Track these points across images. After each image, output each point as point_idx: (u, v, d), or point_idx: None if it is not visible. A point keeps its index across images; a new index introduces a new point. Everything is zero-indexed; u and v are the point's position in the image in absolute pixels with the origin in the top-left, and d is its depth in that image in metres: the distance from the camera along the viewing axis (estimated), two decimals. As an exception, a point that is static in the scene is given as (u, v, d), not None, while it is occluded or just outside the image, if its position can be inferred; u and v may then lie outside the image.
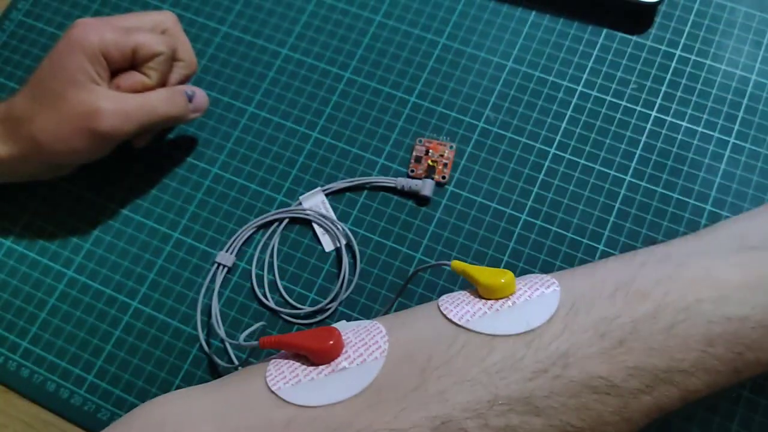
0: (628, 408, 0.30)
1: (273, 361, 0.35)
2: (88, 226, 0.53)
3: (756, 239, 0.35)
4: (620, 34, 0.56)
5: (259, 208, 0.53)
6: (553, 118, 0.54)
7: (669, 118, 0.54)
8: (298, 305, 0.50)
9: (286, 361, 0.34)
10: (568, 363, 0.30)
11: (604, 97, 0.55)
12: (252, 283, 0.51)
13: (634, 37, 0.56)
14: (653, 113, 0.54)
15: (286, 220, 0.52)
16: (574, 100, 0.55)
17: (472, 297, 0.34)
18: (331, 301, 0.50)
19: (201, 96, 0.51)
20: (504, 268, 0.50)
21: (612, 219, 0.51)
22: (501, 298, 0.33)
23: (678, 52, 0.55)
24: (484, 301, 0.33)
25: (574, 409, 0.29)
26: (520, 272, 0.50)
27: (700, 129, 0.53)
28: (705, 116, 0.53)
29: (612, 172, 0.52)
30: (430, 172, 0.52)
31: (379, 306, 0.50)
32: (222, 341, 0.48)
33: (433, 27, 0.58)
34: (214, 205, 0.54)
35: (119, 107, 0.45)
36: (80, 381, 0.49)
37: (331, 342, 0.32)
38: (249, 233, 0.52)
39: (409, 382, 0.30)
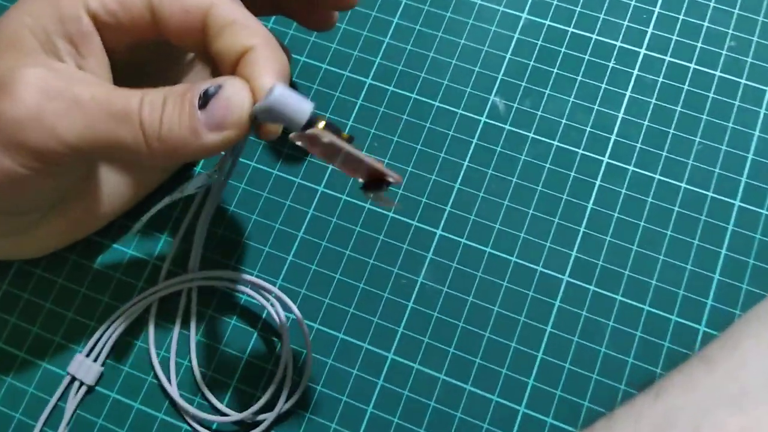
0: None
1: None
2: None
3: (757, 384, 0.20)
4: (701, -41, 0.34)
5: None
6: (602, 103, 0.33)
7: (796, 96, 0.32)
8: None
9: None
10: None
11: (685, 64, 0.33)
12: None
13: (722, -36, 0.34)
14: (769, 89, 0.33)
15: (154, 301, 0.30)
16: (636, 72, 0.33)
17: None
18: (266, 409, 0.29)
19: (230, 97, 0.24)
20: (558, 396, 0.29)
21: (717, 276, 0.30)
22: None
23: (796, -15, 0.34)
24: None
25: None
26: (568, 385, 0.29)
27: None
28: None
29: (710, 194, 0.31)
30: None
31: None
32: None
33: (396, -40, 0.36)
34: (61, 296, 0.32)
35: (58, 86, 0.24)
36: None
37: None
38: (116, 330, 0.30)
39: None
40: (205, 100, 0.23)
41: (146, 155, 0.24)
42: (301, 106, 0.23)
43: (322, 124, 0.23)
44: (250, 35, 0.24)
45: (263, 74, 0.24)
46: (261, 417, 0.29)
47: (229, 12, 0.25)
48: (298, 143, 0.23)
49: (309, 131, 0.23)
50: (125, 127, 0.23)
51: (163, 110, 0.23)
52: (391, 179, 0.23)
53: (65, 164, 0.24)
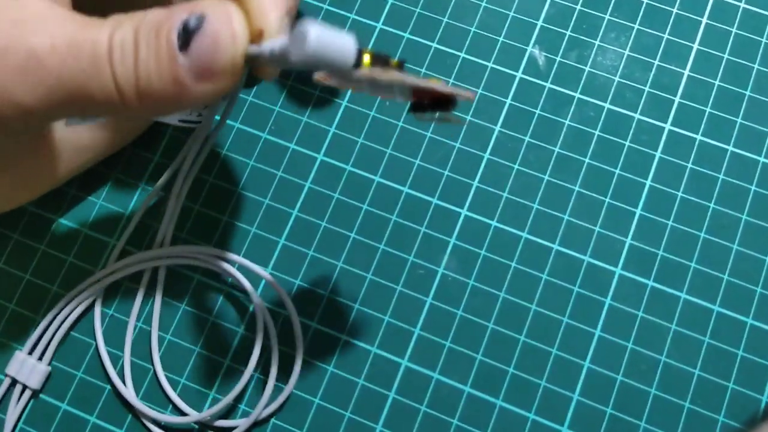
0: None
1: None
2: None
3: None
4: None
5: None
6: (664, 57, 0.27)
7: None
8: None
9: None
10: None
11: (763, 12, 0.27)
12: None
13: None
14: None
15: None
16: (704, 20, 0.27)
17: None
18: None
19: (218, 33, 0.18)
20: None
21: (802, 271, 0.25)
22: None
23: None
24: None
25: None
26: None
27: None
28: None
29: (795, 171, 0.26)
30: None
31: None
32: None
33: None
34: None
35: (8, 36, 0.18)
36: None
37: None
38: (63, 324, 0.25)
39: None
40: (185, 37, 0.18)
41: (123, 111, 0.18)
42: (343, 47, 0.17)
43: (367, 58, 0.17)
44: None
45: (269, 5, 0.18)
46: (233, 423, 0.23)
47: None
48: (330, 83, 0.18)
49: (361, 73, 0.17)
50: (94, 79, 0.18)
51: (137, 55, 0.18)
52: (460, 98, 0.19)
53: (21, 127, 0.19)
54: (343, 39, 0.17)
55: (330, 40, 0.17)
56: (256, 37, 0.19)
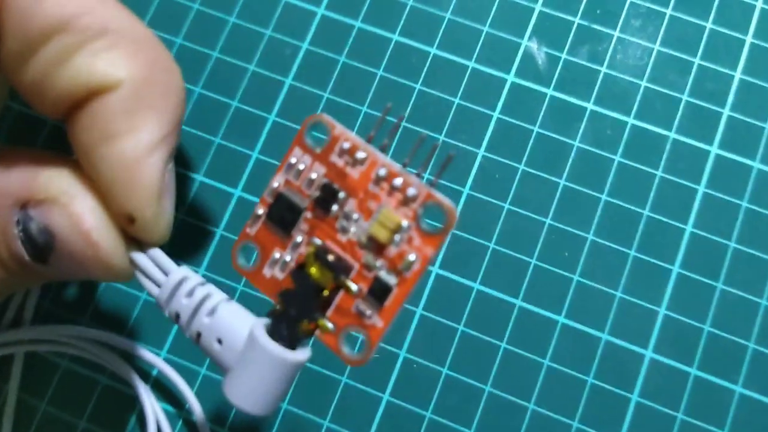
0: None
1: None
2: None
3: None
4: None
5: None
6: (707, 55, 0.20)
7: None
8: None
9: None
10: None
11: (842, -9, 0.20)
12: None
13: None
14: None
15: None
16: (759, 4, 0.20)
17: None
18: None
19: (86, 260, 0.13)
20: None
21: None
22: None
23: None
24: None
25: None
26: None
27: None
28: None
29: None
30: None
31: None
32: None
33: None
34: None
35: None
36: None
37: None
38: None
39: None
40: (36, 252, 0.13)
41: None
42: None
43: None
44: (115, 58, 0.13)
45: (151, 162, 0.13)
46: None
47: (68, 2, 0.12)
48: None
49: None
50: None
51: None
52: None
53: None
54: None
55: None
56: (126, 222, 0.13)
